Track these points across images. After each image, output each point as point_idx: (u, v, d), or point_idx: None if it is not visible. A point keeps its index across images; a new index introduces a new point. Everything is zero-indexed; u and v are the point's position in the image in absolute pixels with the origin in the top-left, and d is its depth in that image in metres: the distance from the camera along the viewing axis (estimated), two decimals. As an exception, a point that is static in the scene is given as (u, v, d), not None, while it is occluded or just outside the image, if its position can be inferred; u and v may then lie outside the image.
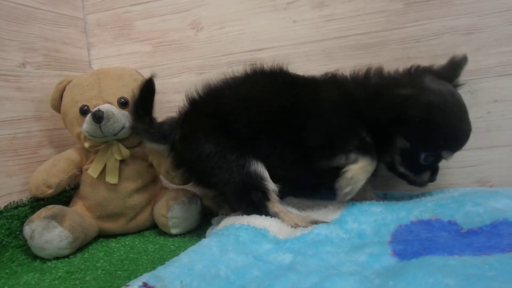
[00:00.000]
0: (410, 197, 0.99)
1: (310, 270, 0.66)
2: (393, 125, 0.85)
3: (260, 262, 0.71)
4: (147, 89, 1.03)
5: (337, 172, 0.86)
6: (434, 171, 0.91)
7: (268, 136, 0.92)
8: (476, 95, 1.07)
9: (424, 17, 1.08)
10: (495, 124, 1.07)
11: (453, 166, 1.07)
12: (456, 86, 0.92)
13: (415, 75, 0.89)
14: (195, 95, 1.00)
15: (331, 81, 0.95)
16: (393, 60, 1.10)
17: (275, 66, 0.97)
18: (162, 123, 1.05)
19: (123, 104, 1.07)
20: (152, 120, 1.05)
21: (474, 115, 1.06)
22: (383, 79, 0.91)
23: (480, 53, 1.06)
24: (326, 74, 0.97)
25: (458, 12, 1.06)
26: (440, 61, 1.07)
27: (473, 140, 1.06)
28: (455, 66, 0.92)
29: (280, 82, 0.96)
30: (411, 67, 0.92)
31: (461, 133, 0.87)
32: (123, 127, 1.05)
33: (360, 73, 0.93)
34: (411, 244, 0.72)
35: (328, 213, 0.91)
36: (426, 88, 0.84)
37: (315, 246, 0.76)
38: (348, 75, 0.94)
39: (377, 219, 0.85)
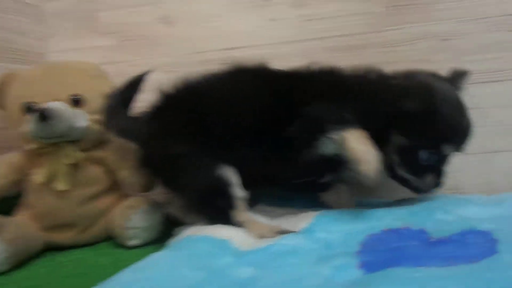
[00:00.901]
0: (384, 204, 1.02)
1: (270, 285, 0.64)
2: (389, 119, 0.83)
3: (216, 277, 0.68)
4: (136, 83, 0.98)
5: (323, 166, 0.85)
6: (438, 173, 0.88)
7: (251, 138, 0.89)
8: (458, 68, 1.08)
9: (403, 21, 1.11)
10: (469, 131, 1.08)
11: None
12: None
13: (413, 74, 0.88)
14: (171, 90, 0.96)
15: (327, 75, 0.92)
16: (372, 63, 1.08)
17: (257, 63, 0.94)
18: (136, 118, 1.00)
19: (76, 102, 1.00)
20: (126, 115, 1.00)
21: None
22: (381, 76, 0.90)
23: (458, 60, 1.10)
24: (321, 67, 0.94)
25: (436, 17, 1.10)
26: (418, 67, 1.08)
27: None
28: (457, 76, 0.91)
29: (265, 81, 0.93)
30: (409, 70, 0.90)
31: (461, 126, 0.85)
32: (73, 128, 0.97)
33: (358, 70, 0.92)
34: (378, 254, 0.73)
35: (299, 222, 0.89)
36: (424, 81, 0.84)
37: (279, 259, 0.75)
38: (345, 70, 0.93)
39: (347, 227, 0.84)
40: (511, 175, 1.08)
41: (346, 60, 1.07)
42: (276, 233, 0.85)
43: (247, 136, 0.89)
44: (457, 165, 1.07)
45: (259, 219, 0.91)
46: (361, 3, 1.10)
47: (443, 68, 1.08)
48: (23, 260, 0.91)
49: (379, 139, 0.83)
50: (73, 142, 1.00)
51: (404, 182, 0.90)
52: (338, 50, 1.11)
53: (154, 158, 0.94)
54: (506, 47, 1.06)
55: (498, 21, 1.05)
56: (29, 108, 0.96)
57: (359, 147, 0.79)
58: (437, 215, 0.82)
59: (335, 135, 0.80)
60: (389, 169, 0.88)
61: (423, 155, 0.84)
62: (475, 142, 1.07)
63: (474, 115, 1.08)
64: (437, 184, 0.88)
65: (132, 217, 0.97)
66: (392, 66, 1.08)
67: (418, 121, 0.81)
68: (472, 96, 1.07)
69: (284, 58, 1.11)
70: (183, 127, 0.91)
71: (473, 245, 0.70)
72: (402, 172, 0.88)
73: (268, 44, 1.13)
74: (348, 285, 0.62)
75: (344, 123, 0.81)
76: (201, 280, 0.65)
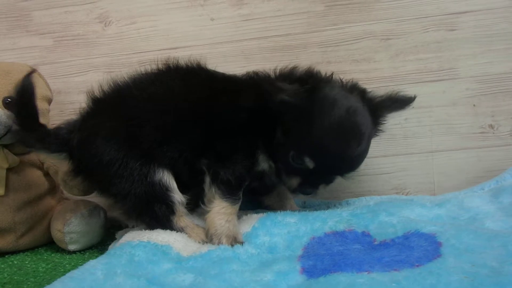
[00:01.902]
0: (328, 206, 0.98)
1: None
2: (276, 114, 0.79)
3: (154, 285, 0.64)
4: (25, 90, 0.87)
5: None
6: (305, 181, 0.81)
7: (180, 139, 0.84)
8: (406, 94, 1.06)
9: (343, 20, 1.06)
10: (411, 131, 1.08)
11: (370, 173, 1.06)
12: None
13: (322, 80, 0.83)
14: (99, 94, 0.89)
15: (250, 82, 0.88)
16: (313, 63, 1.04)
17: (191, 63, 0.89)
18: (58, 128, 0.92)
19: (9, 104, 0.93)
20: (41, 126, 0.91)
21: (391, 121, 1.04)
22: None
23: (398, 59, 1.06)
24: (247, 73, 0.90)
25: (376, 17, 1.05)
26: (359, 66, 1.06)
27: (390, 147, 1.07)
28: (394, 99, 0.84)
29: (194, 81, 0.88)
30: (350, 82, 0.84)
31: (332, 149, 0.76)
32: (8, 131, 0.91)
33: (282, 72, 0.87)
34: (321, 259, 0.69)
35: (241, 225, 0.85)
36: (328, 94, 0.77)
37: (220, 265, 0.70)
38: (273, 74, 0.87)
39: (290, 230, 0.81)
40: (453, 174, 1.05)
41: (285, 59, 1.03)
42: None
43: (175, 137, 0.84)
44: (401, 165, 1.06)
45: (200, 223, 0.86)
46: (301, 2, 1.05)
47: (384, 67, 1.05)
48: None
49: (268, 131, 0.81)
50: (8, 145, 0.95)
51: (278, 175, 0.85)
52: (278, 49, 1.06)
53: (86, 166, 0.87)
54: (446, 46, 1.02)
55: (437, 21, 1.02)
56: None
57: (212, 228, 0.80)
58: (381, 217, 0.80)
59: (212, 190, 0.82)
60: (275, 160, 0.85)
61: (292, 157, 0.79)
62: (420, 141, 1.05)
63: (416, 114, 1.05)
64: (304, 190, 0.83)
65: (71, 221, 0.93)
66: (334, 65, 1.04)
67: (296, 124, 0.77)
68: (417, 95, 1.09)
69: (224, 58, 1.06)
70: (112, 132, 0.84)
71: (416, 248, 0.69)
72: (280, 165, 0.84)
73: (207, 44, 1.08)
74: None
75: (228, 188, 0.81)
76: None
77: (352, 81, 0.84)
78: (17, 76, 0.95)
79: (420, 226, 0.75)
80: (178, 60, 0.89)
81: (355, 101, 0.78)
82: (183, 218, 0.84)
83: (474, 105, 1.04)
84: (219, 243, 0.78)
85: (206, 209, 0.83)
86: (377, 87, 1.04)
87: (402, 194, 1.08)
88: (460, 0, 1.01)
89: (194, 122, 0.84)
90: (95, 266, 0.68)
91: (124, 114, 0.86)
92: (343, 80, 0.84)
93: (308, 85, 0.77)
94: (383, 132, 0.87)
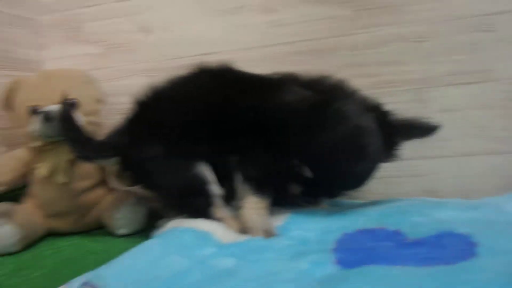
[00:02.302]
0: (357, 206, 0.96)
1: (250, 276, 0.64)
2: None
3: (202, 265, 0.69)
4: (67, 115, 0.96)
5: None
6: (307, 191, 0.83)
7: (213, 137, 0.88)
8: (426, 104, 1.04)
9: (372, 24, 1.05)
10: (444, 133, 1.03)
11: (400, 175, 1.04)
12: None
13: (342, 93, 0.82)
14: (142, 97, 0.96)
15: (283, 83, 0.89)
16: (342, 66, 1.07)
17: (221, 65, 0.93)
18: (107, 136, 0.99)
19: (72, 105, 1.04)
20: (92, 139, 0.99)
21: (424, 123, 1.04)
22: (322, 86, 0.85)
23: (429, 61, 1.03)
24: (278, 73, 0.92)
25: (407, 19, 1.03)
26: (389, 68, 1.06)
27: (421, 149, 1.04)
28: (416, 125, 0.82)
29: (223, 81, 0.92)
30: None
31: (332, 162, 0.75)
32: None
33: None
34: (354, 252, 0.70)
35: (273, 219, 0.87)
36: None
37: (258, 252, 0.73)
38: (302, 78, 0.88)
39: (322, 226, 0.82)
40: (487, 178, 1.01)
41: (314, 63, 1.06)
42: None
43: (208, 134, 0.88)
44: (433, 168, 1.04)
45: (235, 215, 0.88)
46: (329, 7, 1.05)
47: (414, 70, 1.04)
48: (30, 243, 0.99)
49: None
50: None
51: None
52: (306, 54, 1.07)
53: (134, 162, 0.93)
54: (480, 47, 0.99)
55: (471, 22, 0.99)
56: (34, 111, 1.02)
57: (249, 219, 0.82)
58: (412, 217, 0.78)
59: (245, 188, 0.84)
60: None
61: (294, 163, 0.79)
62: (453, 144, 1.03)
63: (449, 117, 1.02)
64: (304, 199, 0.84)
65: (121, 209, 1.03)
66: (363, 68, 1.04)
67: (303, 131, 0.77)
68: (446, 98, 1.02)
69: (253, 63, 1.09)
70: (153, 130, 0.90)
71: (450, 248, 0.67)
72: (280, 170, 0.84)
73: (238, 49, 1.11)
74: (325, 280, 0.61)
75: (258, 184, 0.83)
76: (188, 267, 0.67)
77: (377, 102, 0.82)
78: (78, 81, 1.09)
79: (454, 226, 0.73)
80: (208, 63, 0.94)
81: (367, 121, 0.77)
82: (220, 209, 0.87)
83: (509, 107, 1.00)
84: (254, 236, 0.80)
85: (239, 204, 0.85)
86: (407, 89, 1.04)
87: (433, 197, 1.06)
88: (496, 0, 0.98)
89: (223, 120, 0.88)
90: (153, 245, 0.74)
91: (163, 114, 0.91)
92: (367, 98, 0.82)
93: (324, 96, 0.77)
94: (399, 157, 0.84)
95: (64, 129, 0.96)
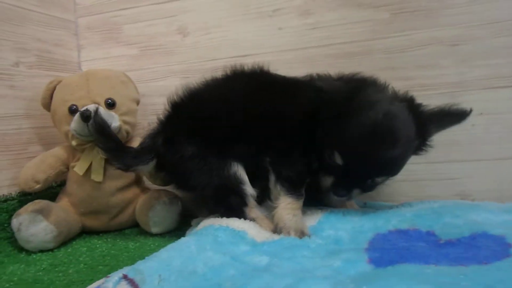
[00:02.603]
0: (389, 207, 0.97)
1: (285, 272, 0.65)
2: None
3: (237, 262, 0.71)
4: (101, 125, 0.97)
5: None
6: (339, 183, 0.82)
7: (246, 138, 0.90)
8: (461, 107, 1.05)
9: (409, 27, 1.05)
10: (479, 137, 1.04)
11: (433, 178, 1.04)
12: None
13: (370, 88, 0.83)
14: (176, 99, 0.98)
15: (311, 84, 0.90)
16: (377, 69, 1.06)
17: (255, 67, 0.95)
18: (142, 142, 1.01)
19: (110, 105, 1.07)
20: (127, 148, 1.02)
21: (457, 127, 1.02)
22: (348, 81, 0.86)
23: (466, 65, 1.03)
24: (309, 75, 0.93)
25: (444, 23, 1.03)
26: (424, 72, 1.06)
27: (455, 153, 1.04)
28: (446, 112, 0.81)
29: (258, 83, 0.94)
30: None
31: (362, 147, 0.76)
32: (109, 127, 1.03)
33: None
34: (387, 252, 0.71)
35: (306, 219, 0.88)
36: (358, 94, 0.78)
37: (291, 250, 0.75)
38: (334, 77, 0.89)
39: (354, 226, 0.83)
40: None
41: (349, 66, 1.04)
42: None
43: (243, 136, 0.89)
44: (467, 171, 1.03)
45: (268, 215, 0.90)
46: (365, 11, 1.06)
47: (450, 73, 1.03)
48: (65, 241, 1.02)
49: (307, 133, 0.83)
50: None
51: (314, 175, 0.86)
52: (342, 56, 1.08)
53: (169, 162, 0.94)
54: None
55: (507, 26, 0.98)
56: (73, 110, 1.04)
57: (282, 220, 0.83)
58: (445, 218, 0.78)
59: (278, 188, 0.85)
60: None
61: (327, 154, 0.80)
62: (488, 148, 1.02)
63: (484, 121, 1.02)
64: (336, 191, 0.83)
65: (155, 207, 1.04)
66: (398, 71, 1.05)
67: (335, 119, 0.77)
68: (482, 102, 1.01)
69: (289, 65, 1.10)
70: (189, 131, 0.92)
71: (484, 248, 0.67)
72: (316, 165, 0.85)
73: (274, 51, 1.12)
74: (359, 277, 0.61)
75: (291, 184, 0.85)
76: (225, 263, 0.69)
77: (409, 94, 0.82)
78: (115, 81, 1.11)
79: (488, 228, 0.73)
80: (242, 66, 0.96)
81: (398, 108, 0.78)
82: (254, 209, 0.90)
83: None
84: (289, 235, 0.81)
85: (273, 205, 0.86)
86: (442, 93, 1.04)
87: (466, 200, 1.06)
88: (536, 4, 0.97)
89: (256, 121, 0.89)
90: (189, 241, 0.76)
91: (198, 115, 0.93)
92: (399, 91, 0.83)
93: (356, 85, 0.78)
94: (432, 147, 0.83)
95: (100, 141, 0.97)
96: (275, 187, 0.87)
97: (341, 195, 0.83)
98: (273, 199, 0.87)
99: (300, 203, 0.86)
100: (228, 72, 0.96)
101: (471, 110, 0.82)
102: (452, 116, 0.82)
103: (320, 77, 0.91)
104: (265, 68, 0.94)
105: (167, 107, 0.99)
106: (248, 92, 0.93)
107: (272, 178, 0.88)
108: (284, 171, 0.86)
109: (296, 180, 0.86)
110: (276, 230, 0.85)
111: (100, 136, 0.97)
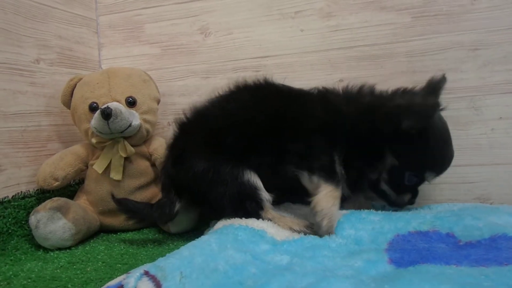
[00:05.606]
0: (409, 209, 0.99)
1: (306, 271, 0.66)
2: (385, 140, 0.86)
3: (258, 260, 0.72)
4: (126, 205, 1.01)
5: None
6: (414, 193, 0.92)
7: (256, 147, 0.92)
8: (481, 111, 1.06)
9: (430, 31, 1.07)
10: (498, 141, 1.06)
11: (453, 181, 1.06)
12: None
13: (405, 94, 0.89)
14: (183, 118, 1.01)
15: (319, 96, 0.95)
16: (397, 72, 1.10)
17: (258, 79, 0.97)
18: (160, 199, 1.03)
19: (130, 103, 1.09)
20: (149, 204, 1.04)
21: (477, 131, 1.06)
22: (375, 96, 0.91)
23: (486, 69, 1.05)
24: (315, 88, 0.98)
25: (465, 27, 1.05)
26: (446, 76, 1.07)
27: (475, 157, 1.06)
28: (434, 87, 0.91)
29: (262, 95, 0.97)
30: (398, 89, 0.92)
31: (447, 157, 0.89)
32: (129, 125, 1.06)
33: (353, 89, 0.94)
34: (408, 252, 0.72)
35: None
36: (419, 102, 0.85)
37: (312, 250, 0.76)
38: (340, 91, 0.95)
39: (374, 227, 0.84)
40: None
41: (371, 68, 1.09)
42: (303, 227, 0.87)
43: (253, 146, 0.92)
44: (486, 175, 1.05)
45: (286, 215, 0.93)
46: (387, 14, 1.08)
47: (470, 77, 1.05)
48: (83, 239, 1.02)
49: (374, 159, 0.89)
50: (127, 138, 1.08)
51: (383, 196, 0.93)
52: (363, 59, 1.10)
53: (182, 181, 0.95)
54: None
55: None
56: (93, 108, 1.05)
57: (324, 208, 0.83)
58: (465, 220, 0.79)
59: (315, 180, 0.86)
60: (375, 183, 0.91)
61: (407, 176, 0.89)
62: (508, 152, 1.03)
63: (504, 125, 1.03)
64: (411, 202, 0.92)
65: None
66: (419, 75, 1.06)
67: (411, 145, 0.85)
68: (501, 106, 1.03)
69: (311, 67, 1.13)
70: (198, 146, 0.94)
71: (505, 250, 0.68)
72: (385, 188, 0.91)
73: (296, 53, 1.14)
74: (380, 277, 0.62)
75: (327, 173, 0.86)
76: (246, 261, 0.70)
77: (404, 88, 0.92)
78: (137, 79, 1.12)
79: (509, 230, 0.74)
80: (245, 79, 0.98)
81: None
82: (270, 211, 0.92)
83: None
84: (321, 221, 0.83)
85: (314, 193, 0.86)
86: (462, 97, 1.06)
87: (485, 204, 1.07)
88: (558, 10, 1.00)
89: (264, 131, 0.92)
90: (210, 240, 0.76)
91: (207, 130, 0.95)
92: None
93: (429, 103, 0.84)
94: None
95: (128, 214, 1.02)
96: (311, 182, 0.88)
97: (412, 202, 0.93)
98: (312, 192, 0.87)
99: (339, 192, 0.87)
100: (232, 87, 0.99)
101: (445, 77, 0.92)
102: (437, 89, 0.91)
103: (327, 90, 0.95)
104: (268, 78, 0.97)
105: (174, 128, 1.01)
106: (255, 103, 0.96)
107: (304, 177, 0.89)
108: (315, 162, 0.87)
109: (330, 167, 0.87)
110: (311, 213, 0.86)
111: (128, 213, 1.02)
